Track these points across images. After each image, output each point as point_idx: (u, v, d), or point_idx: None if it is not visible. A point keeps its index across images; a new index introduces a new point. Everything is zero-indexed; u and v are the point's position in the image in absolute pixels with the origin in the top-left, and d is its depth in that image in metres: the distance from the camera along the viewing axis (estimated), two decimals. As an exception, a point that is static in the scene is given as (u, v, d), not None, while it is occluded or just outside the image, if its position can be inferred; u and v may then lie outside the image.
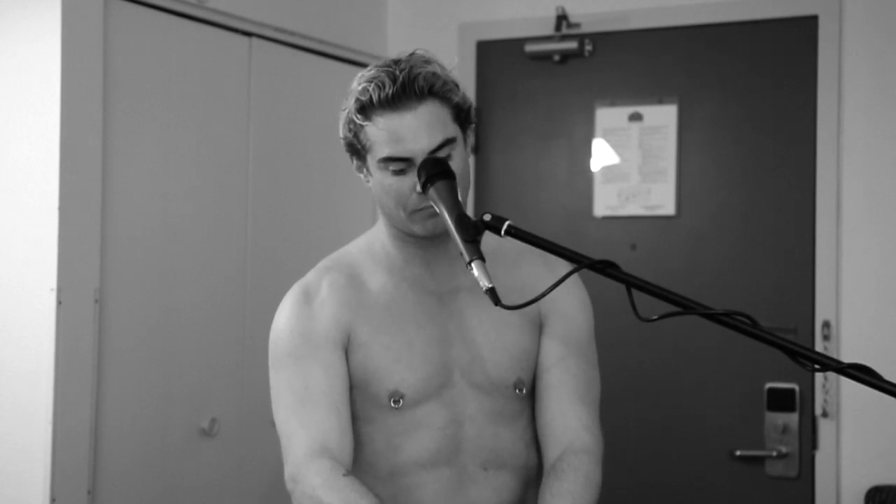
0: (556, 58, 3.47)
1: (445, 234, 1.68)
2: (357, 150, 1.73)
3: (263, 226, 3.16)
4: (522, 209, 3.51)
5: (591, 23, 3.44)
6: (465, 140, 1.74)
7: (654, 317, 1.42)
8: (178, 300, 2.88)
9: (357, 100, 1.68)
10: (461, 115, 1.72)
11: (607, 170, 3.44)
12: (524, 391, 1.80)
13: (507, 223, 1.59)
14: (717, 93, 3.34)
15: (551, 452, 1.76)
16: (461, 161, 1.69)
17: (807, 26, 3.22)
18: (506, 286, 1.66)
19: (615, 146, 3.44)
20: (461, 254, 1.55)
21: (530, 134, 3.54)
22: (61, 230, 2.52)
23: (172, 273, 2.87)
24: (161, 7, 2.83)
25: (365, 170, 1.75)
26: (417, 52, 1.72)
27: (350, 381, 1.75)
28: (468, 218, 1.58)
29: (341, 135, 1.73)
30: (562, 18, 3.44)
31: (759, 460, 3.22)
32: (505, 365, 1.78)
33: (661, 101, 3.39)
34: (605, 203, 3.44)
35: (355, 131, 1.70)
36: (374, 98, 1.65)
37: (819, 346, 3.14)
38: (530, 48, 3.47)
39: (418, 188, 1.65)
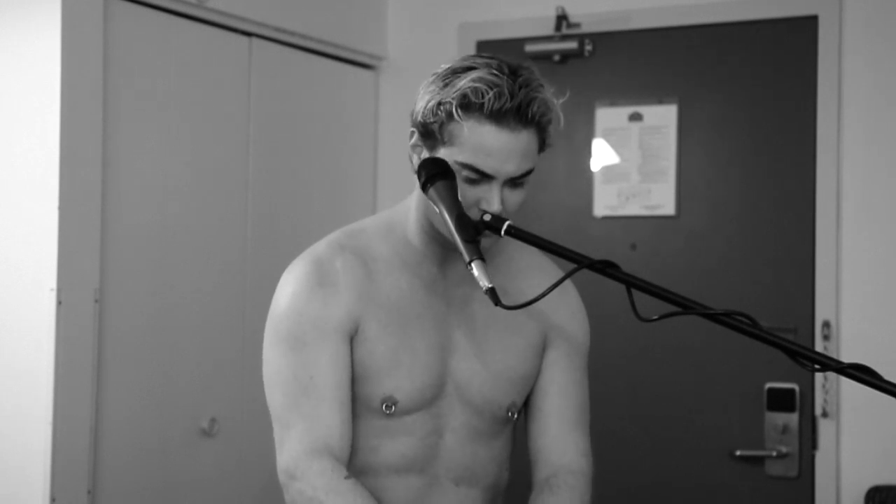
0: (556, 58, 3.47)
1: None
2: (433, 134, 1.61)
3: (263, 225, 3.16)
4: (522, 209, 3.49)
5: (591, 23, 3.44)
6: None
7: (654, 317, 1.42)
8: (178, 300, 2.88)
9: (465, 95, 1.56)
10: (543, 146, 1.67)
11: (607, 170, 3.44)
12: (516, 415, 1.78)
13: (507, 223, 1.58)
14: (717, 93, 3.34)
15: (544, 471, 1.76)
16: (525, 190, 1.67)
17: (807, 26, 3.22)
18: (508, 293, 1.65)
19: (615, 146, 3.44)
20: (461, 254, 1.53)
21: (530, 134, 3.53)
22: (61, 230, 2.52)
23: (172, 273, 2.87)
24: (161, 7, 2.83)
25: (424, 151, 1.64)
26: (527, 66, 1.62)
27: None
28: (468, 218, 1.56)
29: (422, 114, 1.61)
30: (562, 18, 3.43)
31: (759, 460, 3.22)
32: (503, 387, 1.75)
33: (661, 101, 3.39)
34: (605, 203, 3.44)
35: (445, 121, 1.58)
36: (487, 105, 1.55)
37: (819, 346, 3.13)
38: (530, 48, 3.47)
39: (486, 206, 1.60)
